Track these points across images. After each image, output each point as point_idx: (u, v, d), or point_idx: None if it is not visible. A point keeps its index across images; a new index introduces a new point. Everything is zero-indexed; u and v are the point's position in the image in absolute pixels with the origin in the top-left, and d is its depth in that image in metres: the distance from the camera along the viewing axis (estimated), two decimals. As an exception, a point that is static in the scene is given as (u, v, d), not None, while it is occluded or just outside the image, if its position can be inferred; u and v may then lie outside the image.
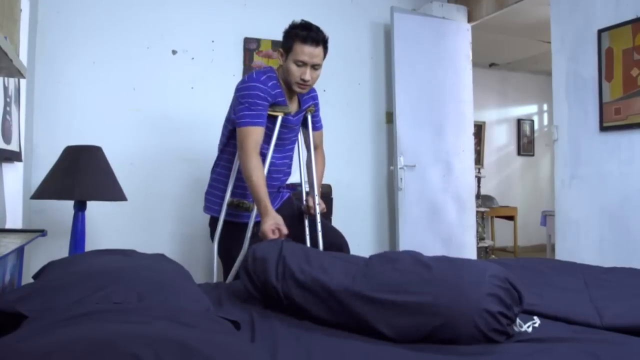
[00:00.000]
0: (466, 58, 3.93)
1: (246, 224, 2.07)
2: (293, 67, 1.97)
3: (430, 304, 1.17)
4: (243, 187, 2.07)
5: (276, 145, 2.07)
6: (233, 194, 2.11)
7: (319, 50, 1.96)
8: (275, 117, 2.03)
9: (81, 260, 1.44)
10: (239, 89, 2.02)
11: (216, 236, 2.11)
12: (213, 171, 2.22)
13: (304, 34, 1.94)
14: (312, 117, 2.24)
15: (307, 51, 1.94)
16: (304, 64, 1.96)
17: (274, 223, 1.85)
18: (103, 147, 2.41)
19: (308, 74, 1.97)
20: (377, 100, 3.86)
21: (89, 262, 1.37)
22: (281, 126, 2.07)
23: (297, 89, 2.02)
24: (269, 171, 2.07)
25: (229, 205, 2.09)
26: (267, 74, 2.03)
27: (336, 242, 2.17)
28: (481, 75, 5.64)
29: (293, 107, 2.12)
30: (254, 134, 1.94)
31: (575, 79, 3.04)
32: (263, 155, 2.01)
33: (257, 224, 2.06)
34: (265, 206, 1.88)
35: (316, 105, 2.25)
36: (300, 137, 2.26)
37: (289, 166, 2.22)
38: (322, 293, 1.31)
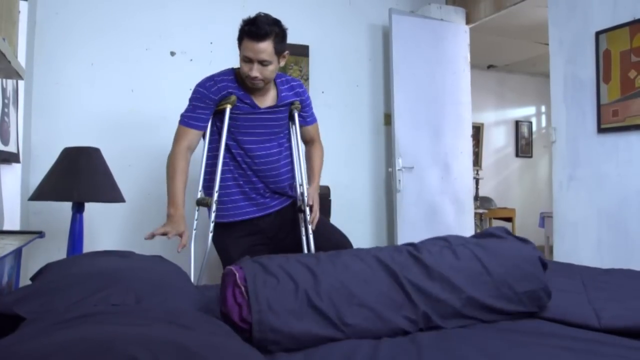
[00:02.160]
0: (464, 60, 3.94)
1: (232, 223, 2.06)
2: (242, 64, 1.95)
3: None
4: (208, 180, 2.08)
5: (253, 140, 2.05)
6: (203, 190, 2.10)
7: (264, 45, 1.88)
8: (224, 111, 2.02)
9: (79, 261, 1.43)
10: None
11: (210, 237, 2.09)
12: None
13: (247, 29, 1.89)
14: (301, 113, 2.20)
15: (251, 47, 1.89)
16: (250, 60, 1.91)
17: (171, 229, 1.85)
18: (101, 148, 2.41)
19: (255, 70, 1.91)
20: (375, 102, 3.86)
21: (87, 263, 1.37)
22: (249, 119, 2.04)
23: (249, 85, 1.99)
24: (253, 163, 2.06)
25: (197, 202, 2.08)
26: (218, 74, 2.06)
27: (342, 245, 2.14)
28: (479, 77, 5.65)
29: (264, 100, 2.08)
30: (187, 135, 2.01)
31: (573, 81, 3.04)
32: (216, 150, 2.04)
33: (248, 221, 2.06)
34: (173, 202, 1.91)
35: (302, 101, 2.19)
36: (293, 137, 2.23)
37: (281, 166, 2.14)
38: None
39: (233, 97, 2.01)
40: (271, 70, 1.96)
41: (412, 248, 1.50)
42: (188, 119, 2.03)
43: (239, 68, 2.06)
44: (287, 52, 2.01)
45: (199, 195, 2.08)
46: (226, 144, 2.05)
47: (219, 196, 2.03)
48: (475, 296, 1.36)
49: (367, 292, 1.31)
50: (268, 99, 2.09)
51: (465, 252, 1.46)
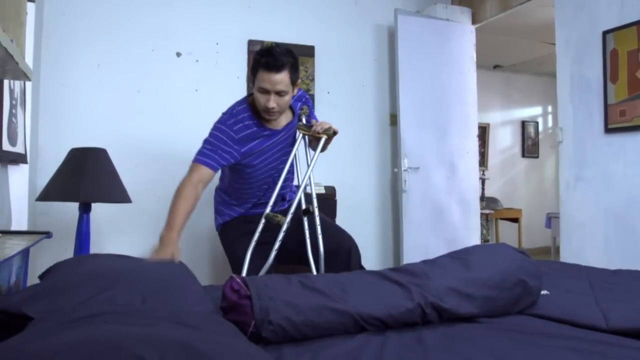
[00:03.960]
0: (470, 60, 3.93)
1: (236, 220, 2.10)
2: (258, 95, 1.94)
3: None
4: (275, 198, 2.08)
5: (263, 160, 2.07)
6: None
7: (281, 76, 1.89)
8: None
9: (86, 261, 1.44)
10: (214, 123, 2.04)
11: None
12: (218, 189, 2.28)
13: (264, 60, 1.88)
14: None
15: (268, 78, 1.88)
16: (267, 91, 1.91)
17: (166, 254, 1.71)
18: (108, 149, 2.42)
19: (272, 102, 1.91)
20: (381, 102, 3.86)
21: (94, 263, 1.38)
22: (266, 146, 2.05)
23: (265, 117, 1.99)
24: (258, 179, 2.10)
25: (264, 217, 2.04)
26: (235, 108, 2.04)
27: (344, 244, 2.14)
28: (485, 77, 5.63)
29: (280, 121, 2.08)
30: (198, 171, 1.92)
31: (580, 81, 3.03)
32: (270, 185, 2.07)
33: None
34: (169, 224, 1.79)
35: (305, 102, 2.21)
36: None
37: (282, 173, 2.15)
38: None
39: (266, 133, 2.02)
40: (287, 100, 1.97)
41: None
42: (203, 156, 1.94)
43: (251, 95, 2.05)
44: (299, 80, 2.01)
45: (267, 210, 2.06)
46: (231, 166, 2.06)
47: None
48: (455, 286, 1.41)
49: (362, 285, 1.37)
50: (283, 119, 2.10)
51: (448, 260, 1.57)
